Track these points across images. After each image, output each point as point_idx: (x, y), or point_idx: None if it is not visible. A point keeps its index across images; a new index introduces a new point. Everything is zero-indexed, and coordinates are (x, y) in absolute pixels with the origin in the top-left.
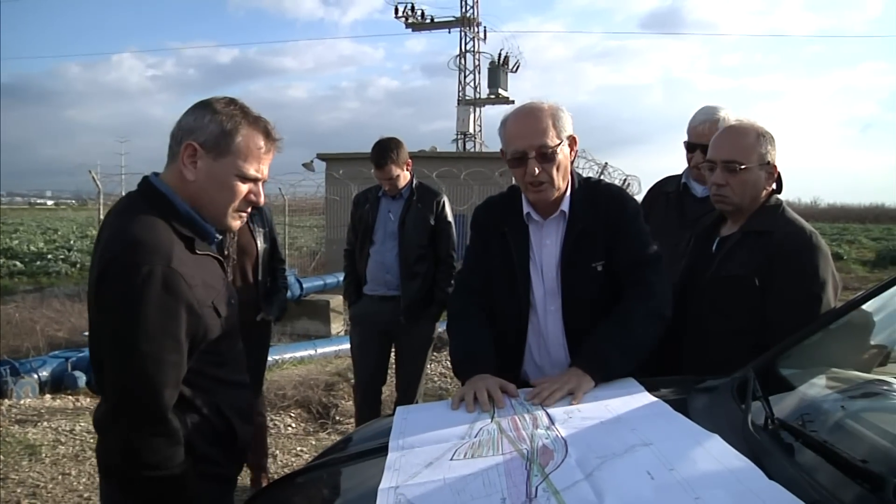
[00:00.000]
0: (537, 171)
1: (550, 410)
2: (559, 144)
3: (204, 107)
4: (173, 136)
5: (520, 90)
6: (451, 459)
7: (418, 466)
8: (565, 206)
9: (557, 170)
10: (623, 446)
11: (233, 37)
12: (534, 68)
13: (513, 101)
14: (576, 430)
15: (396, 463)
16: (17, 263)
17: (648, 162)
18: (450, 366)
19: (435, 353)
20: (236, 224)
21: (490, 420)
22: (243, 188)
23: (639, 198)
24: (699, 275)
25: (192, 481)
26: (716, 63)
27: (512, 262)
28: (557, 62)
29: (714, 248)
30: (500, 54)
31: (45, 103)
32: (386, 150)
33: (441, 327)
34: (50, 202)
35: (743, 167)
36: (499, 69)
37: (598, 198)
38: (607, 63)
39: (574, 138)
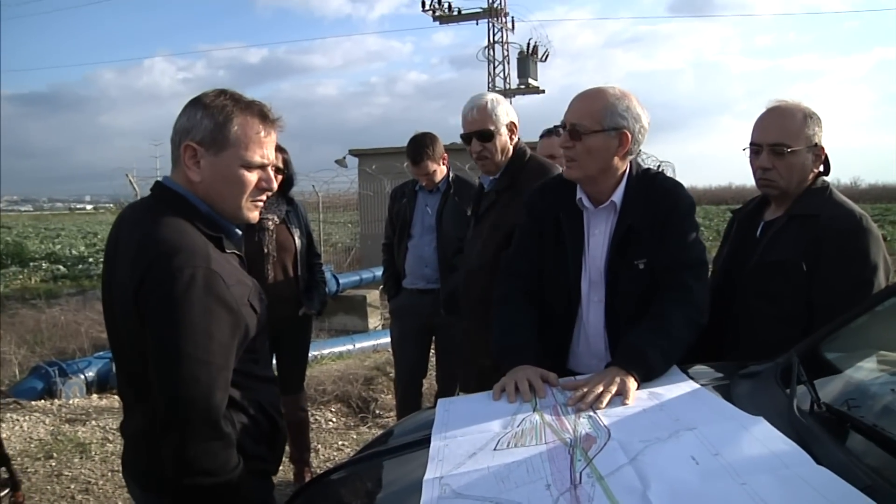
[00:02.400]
0: (566, 143)
1: None
2: (596, 131)
3: (194, 104)
4: (172, 140)
5: (550, 79)
6: (495, 449)
7: (462, 457)
8: (616, 196)
9: (589, 154)
10: (666, 431)
11: (261, 37)
12: (563, 57)
13: (543, 91)
14: (618, 418)
15: (440, 454)
16: (61, 267)
17: (682, 147)
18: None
19: None
20: (254, 215)
21: (532, 410)
22: (252, 177)
23: None
24: (743, 260)
25: (245, 482)
26: (749, 44)
27: (564, 249)
28: (587, 50)
29: (758, 232)
30: (528, 44)
31: (81, 110)
32: (421, 145)
33: None
34: (89, 206)
35: (790, 150)
36: (528, 59)
37: (651, 192)
38: (637, 49)
39: (625, 135)
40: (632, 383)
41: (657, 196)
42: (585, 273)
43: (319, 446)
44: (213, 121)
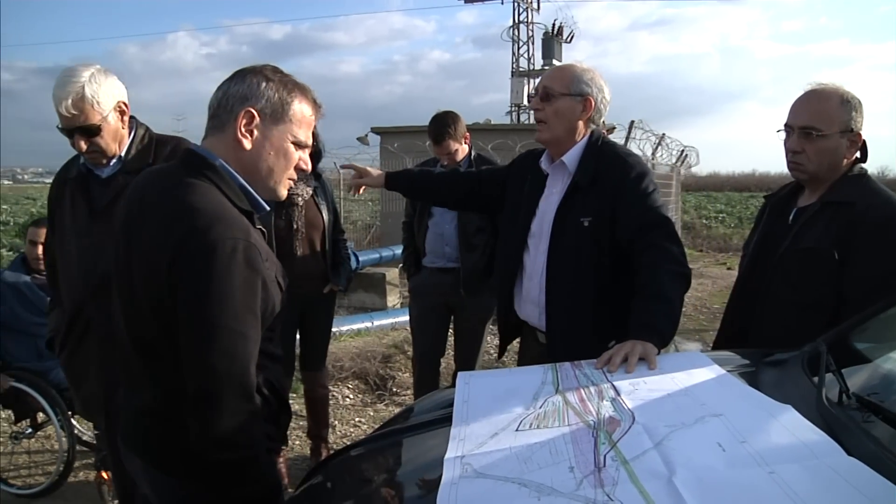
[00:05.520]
0: (537, 105)
1: (616, 383)
2: (564, 94)
3: (254, 73)
4: (221, 105)
5: (574, 61)
6: (517, 430)
7: (483, 437)
8: (567, 158)
9: (556, 115)
10: (692, 417)
11: (285, 13)
12: (588, 38)
13: None
14: (643, 402)
15: (461, 433)
16: None
17: (706, 133)
18: None
19: (492, 326)
20: (285, 192)
21: (555, 392)
22: (296, 155)
23: (696, 170)
24: (774, 247)
25: (265, 458)
26: (776, 29)
27: (522, 204)
28: (612, 31)
29: (790, 219)
30: (553, 24)
31: None
32: (443, 125)
33: None
34: None
35: (820, 134)
36: (552, 40)
37: (602, 158)
38: (663, 32)
39: (589, 101)
40: (652, 348)
41: (606, 159)
42: (535, 227)
43: (336, 422)
44: (278, 94)
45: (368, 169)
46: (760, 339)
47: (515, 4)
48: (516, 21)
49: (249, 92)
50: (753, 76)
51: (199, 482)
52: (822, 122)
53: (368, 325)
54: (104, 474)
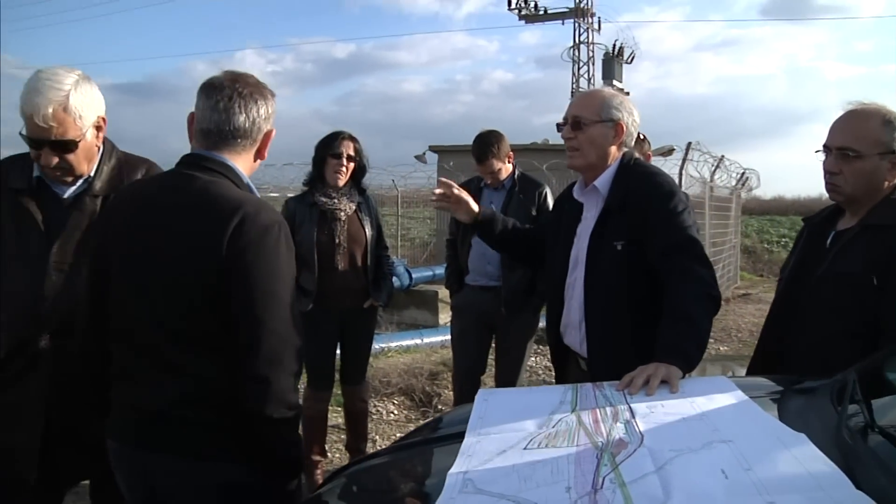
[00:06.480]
0: (569, 134)
1: (634, 405)
2: (596, 122)
3: (260, 94)
4: (247, 129)
5: (635, 82)
6: (525, 448)
7: (491, 454)
8: (599, 182)
9: (589, 142)
10: (700, 442)
11: (349, 32)
12: (650, 59)
13: (627, 93)
14: (655, 425)
15: (470, 449)
16: None
17: (771, 156)
18: None
19: (540, 346)
20: None
21: (570, 411)
22: None
23: (759, 193)
24: (810, 271)
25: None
26: (846, 50)
27: (560, 234)
28: (675, 53)
29: (829, 242)
30: (614, 45)
31: (173, 100)
32: (487, 144)
33: (543, 321)
34: None
35: (856, 155)
36: (613, 60)
37: (630, 179)
38: (727, 53)
39: (620, 125)
40: (676, 371)
41: (634, 181)
42: (574, 254)
43: (377, 437)
44: (274, 107)
45: (470, 201)
46: (794, 365)
47: (576, 25)
48: (577, 41)
49: (269, 112)
50: (822, 98)
51: (238, 461)
52: (860, 142)
53: (418, 341)
54: None
